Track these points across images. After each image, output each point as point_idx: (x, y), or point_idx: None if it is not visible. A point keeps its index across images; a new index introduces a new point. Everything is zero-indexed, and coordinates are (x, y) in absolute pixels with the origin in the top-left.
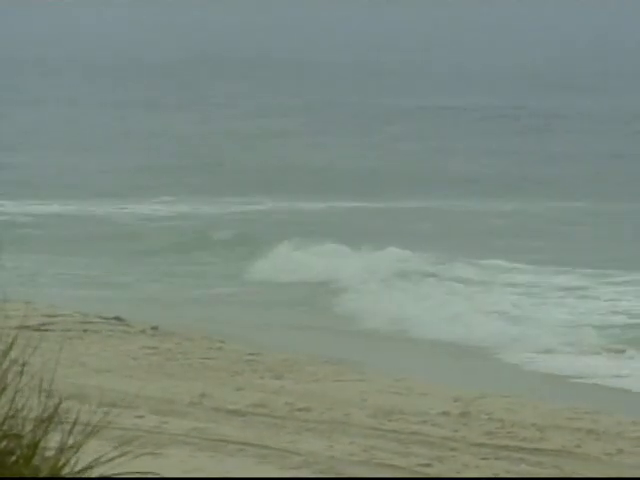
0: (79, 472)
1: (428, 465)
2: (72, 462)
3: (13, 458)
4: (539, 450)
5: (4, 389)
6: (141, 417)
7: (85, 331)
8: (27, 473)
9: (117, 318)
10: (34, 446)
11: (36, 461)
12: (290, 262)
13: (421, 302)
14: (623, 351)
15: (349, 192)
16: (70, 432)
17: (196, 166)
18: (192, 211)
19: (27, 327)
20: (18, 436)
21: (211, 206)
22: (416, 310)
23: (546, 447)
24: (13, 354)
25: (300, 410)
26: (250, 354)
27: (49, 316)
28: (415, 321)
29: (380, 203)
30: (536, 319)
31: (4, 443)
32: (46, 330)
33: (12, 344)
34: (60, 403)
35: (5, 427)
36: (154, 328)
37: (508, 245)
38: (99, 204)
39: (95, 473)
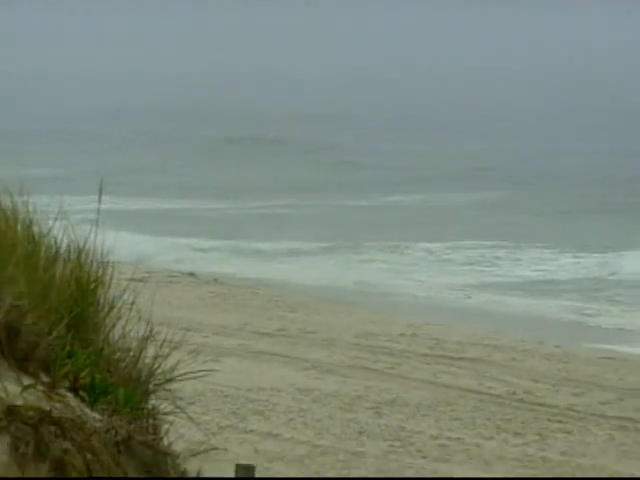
0: (166, 371)
1: (391, 368)
2: (162, 366)
3: (124, 364)
4: (462, 358)
5: (119, 319)
6: (206, 337)
7: (170, 282)
8: (134, 374)
9: (191, 273)
10: (138, 356)
11: (139, 365)
12: None
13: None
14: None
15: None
16: (160, 346)
17: None
18: None
19: (133, 280)
20: (128, 349)
21: None
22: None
23: (466, 356)
24: (125, 296)
25: (309, 332)
26: (276, 297)
27: (148, 272)
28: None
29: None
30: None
31: (118, 354)
32: (146, 281)
33: (124, 290)
34: (154, 328)
35: (119, 343)
36: (215, 280)
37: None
38: None
39: (177, 372)
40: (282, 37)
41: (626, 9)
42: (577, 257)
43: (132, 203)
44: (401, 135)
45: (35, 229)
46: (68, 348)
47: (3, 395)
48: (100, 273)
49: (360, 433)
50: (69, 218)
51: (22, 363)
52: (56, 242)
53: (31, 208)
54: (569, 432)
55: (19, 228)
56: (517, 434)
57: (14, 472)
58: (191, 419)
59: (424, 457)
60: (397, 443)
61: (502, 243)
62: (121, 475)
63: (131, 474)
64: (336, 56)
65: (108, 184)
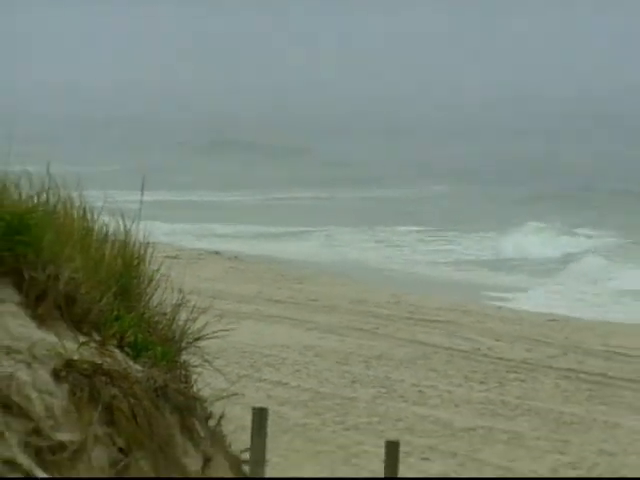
0: (195, 331)
1: (377, 328)
2: (192, 327)
3: (161, 325)
4: (437, 321)
5: (157, 289)
6: (228, 303)
7: (199, 259)
8: (169, 333)
9: (216, 252)
10: (172, 319)
11: (173, 327)
12: None
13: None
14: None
15: None
16: (191, 311)
17: None
18: None
19: (168, 257)
20: (164, 314)
21: None
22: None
23: (441, 319)
24: (162, 271)
25: (312, 300)
26: (285, 271)
27: (180, 251)
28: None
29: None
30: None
31: (156, 318)
32: (179, 258)
33: (161, 265)
34: (185, 296)
35: (157, 309)
36: (235, 257)
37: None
38: None
39: (204, 332)
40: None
41: None
42: (514, 237)
43: (165, 195)
44: (383, 140)
45: (88, 216)
46: (115, 313)
47: (62, 351)
48: (141, 252)
49: (353, 382)
50: (115, 208)
51: (78, 325)
52: (105, 227)
53: (84, 199)
54: (523, 380)
55: (75, 216)
56: (481, 382)
57: (72, 414)
58: (216, 370)
59: (405, 401)
60: (383, 390)
61: (461, 227)
62: (160, 418)
63: (167, 416)
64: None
65: (137, 180)
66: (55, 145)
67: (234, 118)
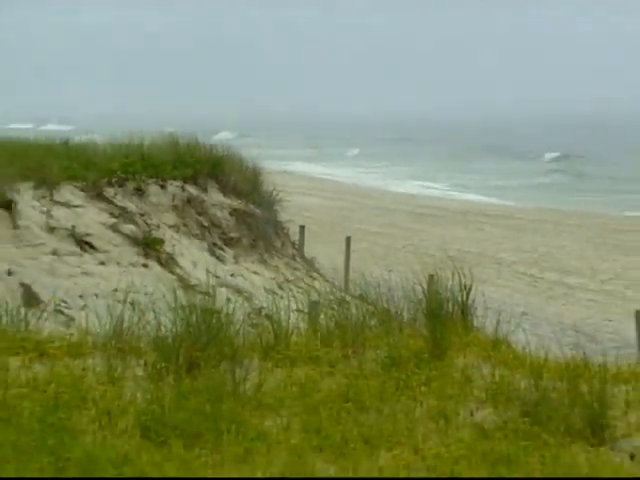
0: (281, 198)
1: (359, 201)
2: (279, 196)
3: (267, 196)
4: (368, 196)
5: (268, 185)
6: (293, 190)
7: (282, 173)
8: (270, 199)
9: (285, 171)
10: (272, 193)
11: (272, 197)
12: None
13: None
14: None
15: None
16: (278, 191)
17: None
18: None
19: (270, 173)
20: (269, 193)
21: None
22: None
23: (372, 196)
24: (269, 178)
25: (326, 188)
26: (316, 177)
27: (271, 171)
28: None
29: None
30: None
31: (266, 193)
32: (274, 173)
33: (268, 175)
34: (277, 187)
35: (266, 191)
36: (291, 173)
37: None
38: None
39: (284, 199)
40: None
41: None
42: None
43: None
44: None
45: (242, 158)
46: (252, 191)
47: (229, 203)
48: (260, 170)
49: (343, 218)
50: (263, 156)
51: (238, 195)
52: (247, 162)
53: (242, 153)
54: (393, 215)
55: (237, 158)
56: (378, 216)
57: (235, 227)
58: (286, 211)
59: (356, 223)
60: (347, 219)
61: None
62: (267, 228)
63: (269, 228)
64: None
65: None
66: None
67: None
